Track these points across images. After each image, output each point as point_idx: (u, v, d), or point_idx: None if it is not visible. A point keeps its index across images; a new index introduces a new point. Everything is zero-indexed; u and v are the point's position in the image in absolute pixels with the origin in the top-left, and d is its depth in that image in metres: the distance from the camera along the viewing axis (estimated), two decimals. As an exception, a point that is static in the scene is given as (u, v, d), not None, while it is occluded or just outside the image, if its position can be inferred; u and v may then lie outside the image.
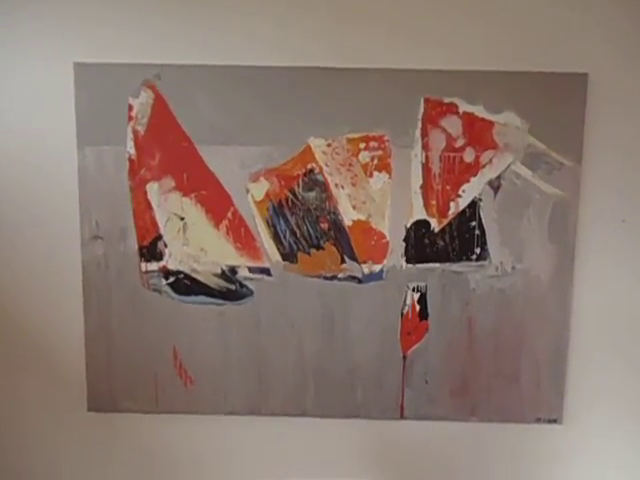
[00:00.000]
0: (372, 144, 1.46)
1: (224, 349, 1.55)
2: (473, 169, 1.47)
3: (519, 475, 1.61)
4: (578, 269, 1.51)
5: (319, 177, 1.48)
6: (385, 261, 1.50)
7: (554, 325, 1.52)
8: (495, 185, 1.47)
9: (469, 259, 1.49)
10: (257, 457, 1.63)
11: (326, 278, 1.51)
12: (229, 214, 1.50)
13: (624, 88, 1.45)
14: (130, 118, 1.46)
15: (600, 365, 1.55)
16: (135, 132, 1.47)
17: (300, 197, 1.49)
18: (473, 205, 1.48)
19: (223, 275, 1.52)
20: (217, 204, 1.50)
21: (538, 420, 1.55)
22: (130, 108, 1.46)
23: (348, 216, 1.49)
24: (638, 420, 1.59)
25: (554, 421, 1.56)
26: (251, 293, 1.52)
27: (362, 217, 1.49)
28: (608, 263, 1.51)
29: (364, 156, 1.47)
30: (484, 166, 1.47)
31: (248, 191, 1.49)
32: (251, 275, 1.51)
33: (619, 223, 1.50)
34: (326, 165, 1.48)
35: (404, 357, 1.54)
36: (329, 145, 1.47)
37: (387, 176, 1.48)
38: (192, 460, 1.63)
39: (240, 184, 1.48)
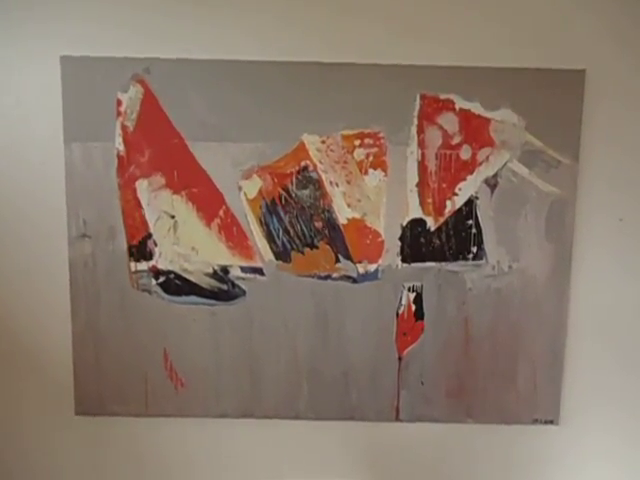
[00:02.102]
0: (367, 141, 1.43)
1: (216, 350, 1.51)
2: (469, 167, 1.44)
3: (515, 477, 1.60)
4: (575, 268, 1.49)
5: (313, 174, 1.45)
6: (380, 260, 1.47)
7: (551, 325, 1.50)
8: (492, 183, 1.45)
9: (465, 258, 1.47)
10: (250, 460, 1.59)
11: (320, 278, 1.48)
12: (221, 212, 1.46)
13: (622, 85, 1.43)
14: (119, 113, 1.42)
15: (597, 365, 1.54)
16: (124, 128, 1.43)
17: (294, 195, 1.46)
18: (469, 203, 1.46)
19: (215, 275, 1.48)
20: (208, 202, 1.46)
21: (535, 421, 1.54)
22: (119, 103, 1.42)
23: (343, 214, 1.46)
24: (635, 421, 1.58)
25: (550, 422, 1.54)
26: (243, 293, 1.49)
27: (357, 215, 1.46)
28: (606, 262, 1.50)
29: (359, 153, 1.44)
30: (481, 164, 1.44)
31: (240, 189, 1.45)
32: (243, 275, 1.48)
33: (616, 222, 1.48)
34: (320, 162, 1.45)
35: (399, 358, 1.51)
36: (323, 142, 1.44)
37: (382, 174, 1.45)
38: (184, 464, 1.59)
39: (232, 182, 1.45)
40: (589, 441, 1.58)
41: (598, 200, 1.47)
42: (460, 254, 1.47)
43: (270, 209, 1.46)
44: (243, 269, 1.48)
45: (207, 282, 1.48)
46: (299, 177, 1.45)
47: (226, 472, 1.60)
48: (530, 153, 1.43)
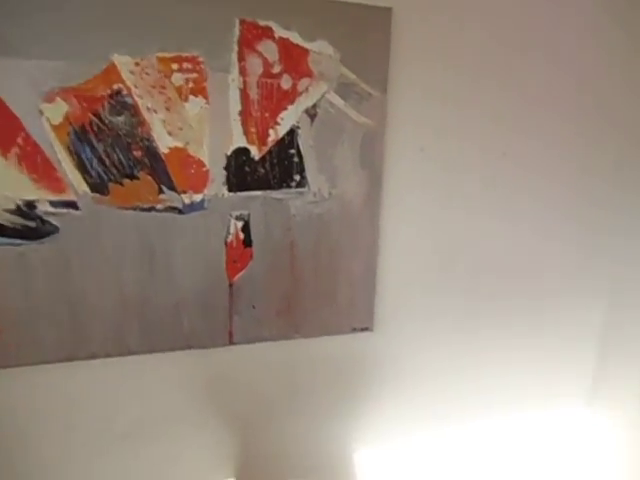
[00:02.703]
0: (185, 65, 1.37)
1: (28, 294, 1.38)
2: (290, 96, 1.48)
3: (340, 380, 1.81)
4: (385, 194, 1.66)
5: (128, 100, 1.35)
6: (206, 190, 1.47)
7: (365, 246, 1.68)
8: (311, 113, 1.52)
9: (289, 186, 1.54)
10: (82, 404, 1.54)
11: (143, 210, 1.42)
12: (19, 140, 1.29)
13: (427, 23, 1.56)
14: None
15: (404, 279, 1.78)
16: None
17: (107, 121, 1.35)
18: (291, 133, 1.51)
19: (18, 211, 1.33)
20: (3, 128, 1.28)
21: (353, 330, 1.74)
22: None
23: (163, 143, 1.40)
24: (434, 325, 1.88)
25: (366, 329, 1.75)
26: (56, 230, 1.37)
27: (179, 144, 1.42)
28: (410, 187, 1.69)
29: (177, 78, 1.38)
30: (301, 94, 1.49)
31: (42, 113, 1.30)
32: (54, 210, 1.35)
33: (418, 151, 1.68)
34: (135, 86, 1.35)
35: (230, 285, 1.56)
36: (137, 64, 1.34)
37: (204, 101, 1.41)
38: (7, 419, 1.47)
39: (30, 105, 1.28)
40: (399, 343, 1.85)
41: (403, 131, 1.64)
42: (284, 182, 1.53)
43: (80, 137, 1.33)
44: (53, 203, 1.35)
45: (9, 219, 1.32)
46: (112, 102, 1.34)
47: (57, 420, 1.52)
48: (345, 85, 1.52)
